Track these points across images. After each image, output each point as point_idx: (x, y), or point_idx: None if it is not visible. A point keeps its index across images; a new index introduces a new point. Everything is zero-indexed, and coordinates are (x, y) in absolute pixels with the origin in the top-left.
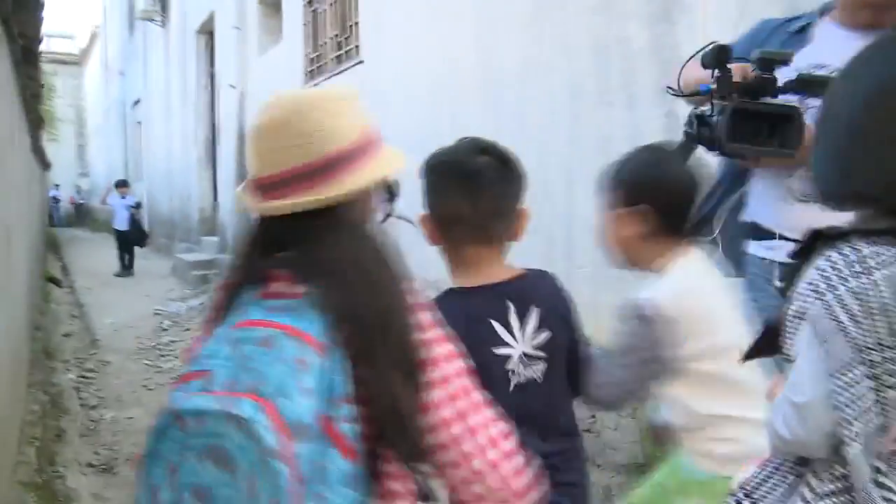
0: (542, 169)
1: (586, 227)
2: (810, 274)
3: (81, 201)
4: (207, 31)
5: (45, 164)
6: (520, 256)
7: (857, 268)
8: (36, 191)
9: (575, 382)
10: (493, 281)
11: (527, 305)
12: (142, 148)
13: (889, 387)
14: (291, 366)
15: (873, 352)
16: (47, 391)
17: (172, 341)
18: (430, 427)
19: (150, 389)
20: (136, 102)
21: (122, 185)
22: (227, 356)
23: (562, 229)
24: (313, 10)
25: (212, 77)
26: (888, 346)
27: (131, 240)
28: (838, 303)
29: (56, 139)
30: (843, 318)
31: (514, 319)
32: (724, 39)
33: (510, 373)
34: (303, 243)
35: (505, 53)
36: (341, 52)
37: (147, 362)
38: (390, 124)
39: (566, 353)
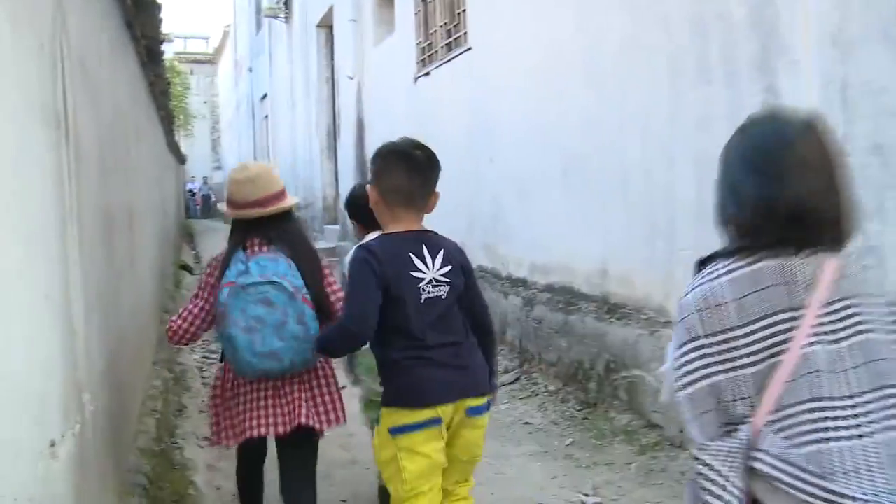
0: (643, 149)
1: (689, 208)
2: None
3: (211, 194)
4: (327, 25)
5: (180, 158)
6: (623, 237)
7: (709, 276)
8: (170, 182)
9: (462, 304)
10: (413, 229)
11: (437, 249)
12: (269, 141)
13: (741, 366)
14: (288, 268)
15: (717, 335)
16: (171, 369)
17: None
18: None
19: None
20: (263, 97)
21: None
22: (256, 264)
23: (663, 210)
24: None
25: (332, 70)
26: (739, 327)
27: None
28: (690, 299)
29: (192, 134)
30: (687, 310)
31: (427, 256)
32: (824, 11)
33: (421, 290)
34: (273, 225)
35: (606, 35)
36: (451, 39)
37: None
38: (498, 107)
39: (462, 285)
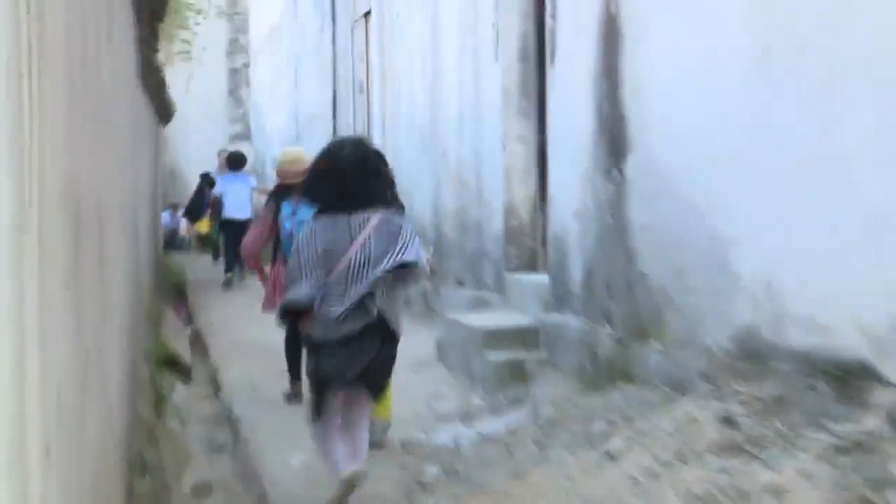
0: (881, 127)
1: None
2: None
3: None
4: None
5: (163, 111)
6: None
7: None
8: (145, 161)
9: None
10: None
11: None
12: (369, 84)
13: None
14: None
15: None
16: None
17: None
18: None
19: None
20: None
21: None
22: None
23: None
24: None
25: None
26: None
27: None
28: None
29: (190, 57)
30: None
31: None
32: None
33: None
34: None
35: None
36: None
37: None
38: (657, 101)
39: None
